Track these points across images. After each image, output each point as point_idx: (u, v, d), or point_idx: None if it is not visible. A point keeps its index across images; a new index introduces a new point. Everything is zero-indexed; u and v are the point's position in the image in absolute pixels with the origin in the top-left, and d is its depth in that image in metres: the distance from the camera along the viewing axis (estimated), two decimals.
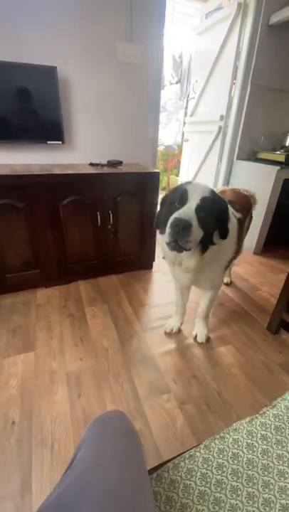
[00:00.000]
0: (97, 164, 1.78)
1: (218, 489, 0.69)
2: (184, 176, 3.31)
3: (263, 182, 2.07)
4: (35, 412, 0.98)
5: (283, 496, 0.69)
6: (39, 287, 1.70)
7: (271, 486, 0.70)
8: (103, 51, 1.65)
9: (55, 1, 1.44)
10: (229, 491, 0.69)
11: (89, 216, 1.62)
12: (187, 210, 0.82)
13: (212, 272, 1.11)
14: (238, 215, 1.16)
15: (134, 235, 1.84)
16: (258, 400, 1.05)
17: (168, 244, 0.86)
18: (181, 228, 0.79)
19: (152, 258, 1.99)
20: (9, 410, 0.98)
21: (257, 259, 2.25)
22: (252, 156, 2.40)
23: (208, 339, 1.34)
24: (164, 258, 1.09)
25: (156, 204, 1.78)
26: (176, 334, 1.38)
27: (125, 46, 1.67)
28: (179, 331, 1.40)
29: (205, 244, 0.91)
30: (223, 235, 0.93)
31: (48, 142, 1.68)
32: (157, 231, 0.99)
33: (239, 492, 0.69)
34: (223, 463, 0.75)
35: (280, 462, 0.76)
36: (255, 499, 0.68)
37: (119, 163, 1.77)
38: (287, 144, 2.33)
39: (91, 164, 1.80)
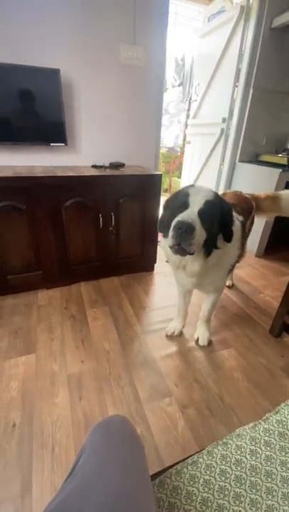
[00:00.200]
0: (99, 166, 1.78)
1: (221, 496, 0.69)
2: (185, 178, 3.31)
3: (265, 184, 2.06)
4: (36, 414, 0.97)
5: (286, 502, 0.68)
6: (40, 289, 1.70)
7: (274, 493, 0.70)
8: (106, 54, 1.65)
9: (58, 3, 1.45)
10: (232, 497, 0.68)
11: (91, 218, 1.62)
12: (190, 213, 0.82)
13: (215, 276, 1.10)
14: (240, 218, 1.16)
15: (136, 236, 1.83)
16: (260, 404, 1.04)
17: (171, 247, 0.85)
18: (184, 231, 0.78)
19: (154, 260, 1.99)
20: (10, 412, 0.97)
21: (259, 261, 2.24)
22: (254, 159, 2.40)
23: (210, 342, 1.33)
24: (167, 262, 1.08)
25: (158, 206, 1.78)
26: (177, 337, 1.37)
27: (128, 49, 1.68)
28: (181, 333, 1.39)
29: (209, 248, 0.91)
30: (228, 237, 0.93)
31: (51, 144, 1.68)
32: (160, 234, 0.99)
33: (242, 499, 0.68)
34: (226, 469, 0.75)
35: (284, 469, 0.75)
36: (259, 506, 0.67)
37: (122, 165, 1.78)
38: None
39: (94, 166, 1.80)
